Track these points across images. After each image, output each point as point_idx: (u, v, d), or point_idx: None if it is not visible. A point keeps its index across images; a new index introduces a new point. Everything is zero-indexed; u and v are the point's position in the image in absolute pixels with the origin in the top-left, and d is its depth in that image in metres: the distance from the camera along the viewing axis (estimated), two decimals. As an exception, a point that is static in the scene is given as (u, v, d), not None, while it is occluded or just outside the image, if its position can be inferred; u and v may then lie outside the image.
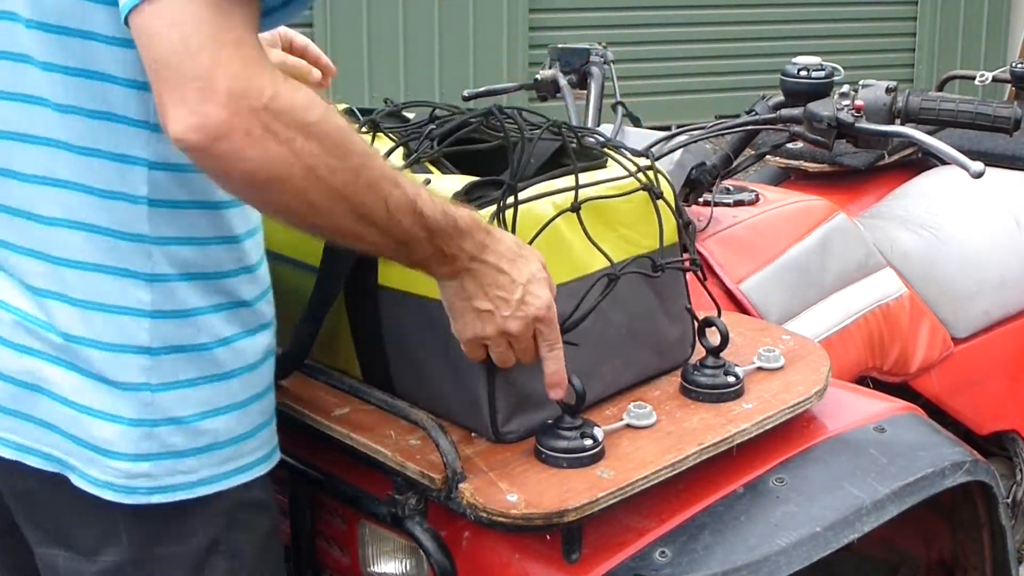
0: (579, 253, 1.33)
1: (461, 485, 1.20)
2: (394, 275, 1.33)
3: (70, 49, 1.11)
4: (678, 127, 1.99)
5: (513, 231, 1.26)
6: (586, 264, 1.33)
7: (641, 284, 1.39)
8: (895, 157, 2.44)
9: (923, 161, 2.48)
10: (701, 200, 1.91)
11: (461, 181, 1.32)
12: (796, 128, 1.86)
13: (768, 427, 1.35)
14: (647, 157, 1.44)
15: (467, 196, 1.28)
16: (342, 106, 1.58)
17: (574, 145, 1.39)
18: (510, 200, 1.27)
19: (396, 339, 1.35)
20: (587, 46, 2.27)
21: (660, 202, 1.39)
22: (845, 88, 1.80)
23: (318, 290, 1.37)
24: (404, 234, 1.12)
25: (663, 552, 1.25)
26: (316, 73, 1.62)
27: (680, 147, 1.86)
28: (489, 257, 1.18)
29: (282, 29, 1.54)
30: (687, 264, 1.45)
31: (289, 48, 1.61)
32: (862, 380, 1.94)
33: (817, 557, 1.27)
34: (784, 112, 1.87)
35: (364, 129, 1.47)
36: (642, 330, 1.40)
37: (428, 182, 1.33)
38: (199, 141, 0.98)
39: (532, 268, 1.20)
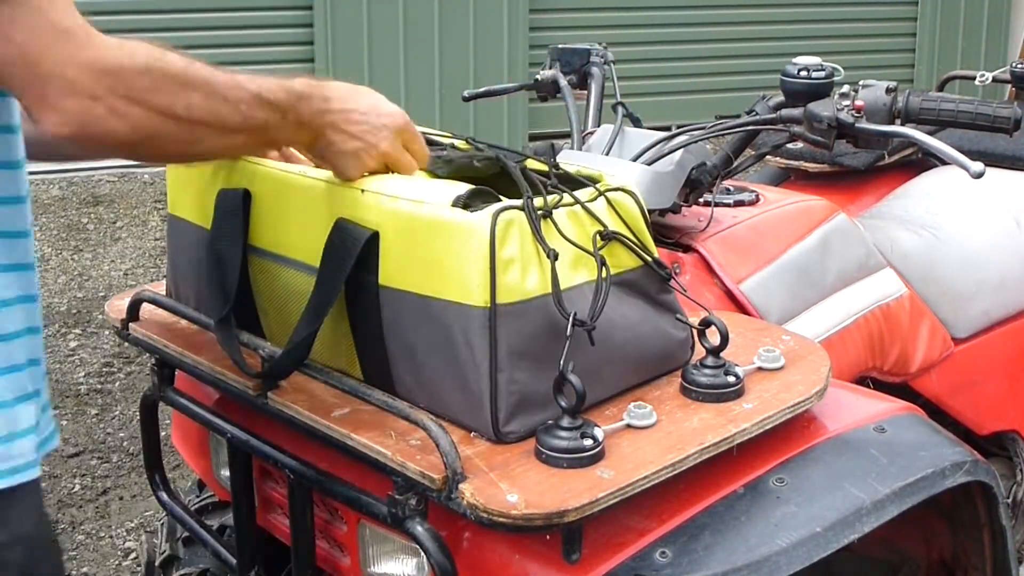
0: (585, 258, 1.33)
1: (461, 485, 1.20)
2: (395, 275, 1.33)
3: None
4: (678, 127, 1.99)
5: (540, 238, 1.28)
6: (591, 271, 1.34)
7: (637, 295, 1.39)
8: (895, 157, 2.45)
9: (923, 161, 2.48)
10: (701, 200, 1.91)
11: (458, 187, 1.33)
12: (796, 128, 1.86)
13: (768, 427, 1.35)
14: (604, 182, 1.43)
15: (465, 205, 1.29)
16: None
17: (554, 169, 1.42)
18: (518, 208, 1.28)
19: (397, 339, 1.35)
20: (587, 46, 2.27)
21: (636, 217, 1.39)
22: (845, 88, 1.80)
23: (318, 290, 1.37)
24: (262, 125, 1.26)
25: (663, 552, 1.25)
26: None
27: (680, 147, 1.86)
28: (334, 104, 1.32)
29: None
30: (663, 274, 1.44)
31: None
32: (862, 380, 1.94)
33: (817, 557, 1.27)
34: (784, 112, 1.87)
35: None
36: (644, 334, 1.40)
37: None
38: (72, 132, 1.09)
39: (369, 95, 1.35)
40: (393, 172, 1.39)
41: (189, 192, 1.60)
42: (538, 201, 1.31)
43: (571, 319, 1.26)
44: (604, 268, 1.32)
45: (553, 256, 1.27)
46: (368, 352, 1.39)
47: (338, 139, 1.33)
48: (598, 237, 1.34)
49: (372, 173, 1.38)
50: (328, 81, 1.34)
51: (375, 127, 1.35)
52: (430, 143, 1.50)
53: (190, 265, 1.60)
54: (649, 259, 1.40)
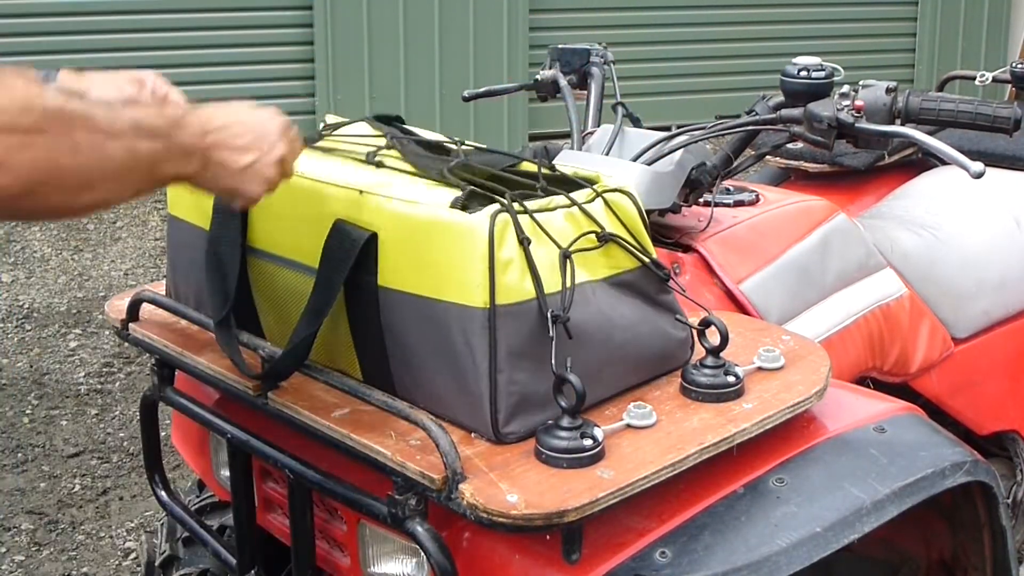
0: (586, 258, 1.33)
1: (461, 485, 1.20)
2: (394, 276, 1.33)
3: None
4: (678, 127, 1.99)
5: (522, 239, 1.27)
6: (590, 272, 1.34)
7: (636, 295, 1.39)
8: (895, 157, 2.44)
9: (923, 161, 2.48)
10: (701, 200, 1.91)
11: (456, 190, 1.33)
12: (796, 128, 1.86)
13: (768, 427, 1.35)
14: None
15: (463, 206, 1.29)
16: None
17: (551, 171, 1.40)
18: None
19: (397, 339, 1.35)
20: (587, 46, 2.27)
21: (634, 217, 1.39)
22: (845, 88, 1.80)
23: (317, 291, 1.37)
24: (149, 158, 1.13)
25: (663, 552, 1.25)
26: None
27: (680, 147, 1.86)
28: (213, 123, 1.21)
29: None
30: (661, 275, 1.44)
31: None
32: (862, 380, 1.94)
33: (817, 557, 1.27)
34: (784, 112, 1.87)
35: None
36: (643, 335, 1.40)
37: None
38: None
39: (240, 105, 1.25)
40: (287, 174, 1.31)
41: (188, 193, 1.59)
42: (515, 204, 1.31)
43: (548, 315, 1.26)
44: (568, 261, 1.31)
45: (527, 242, 1.27)
46: (368, 352, 1.39)
47: (229, 158, 1.22)
48: (594, 236, 1.34)
49: (272, 187, 1.29)
50: (199, 105, 1.23)
51: (263, 134, 1.25)
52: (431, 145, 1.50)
53: (190, 265, 1.60)
54: (647, 260, 1.40)
